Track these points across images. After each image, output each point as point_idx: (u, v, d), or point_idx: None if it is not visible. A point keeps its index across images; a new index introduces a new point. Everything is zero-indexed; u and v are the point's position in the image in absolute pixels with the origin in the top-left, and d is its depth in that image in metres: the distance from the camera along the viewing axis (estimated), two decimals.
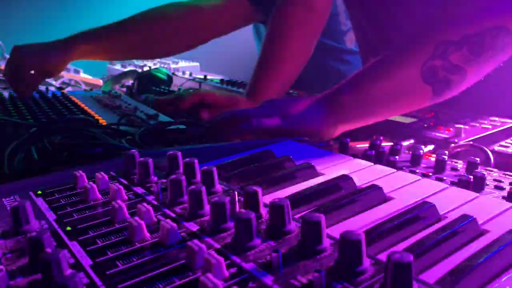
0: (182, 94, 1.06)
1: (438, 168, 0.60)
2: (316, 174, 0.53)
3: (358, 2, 1.16)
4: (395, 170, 0.53)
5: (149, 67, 1.88)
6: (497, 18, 0.69)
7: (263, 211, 0.39)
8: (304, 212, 0.42)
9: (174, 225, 0.36)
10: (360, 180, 0.49)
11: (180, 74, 1.66)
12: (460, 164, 0.63)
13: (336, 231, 0.34)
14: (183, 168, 0.48)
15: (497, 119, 0.88)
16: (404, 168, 0.62)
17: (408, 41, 0.75)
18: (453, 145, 0.74)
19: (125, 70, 1.82)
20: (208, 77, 1.58)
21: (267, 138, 0.68)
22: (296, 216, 0.40)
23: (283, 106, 0.76)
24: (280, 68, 1.14)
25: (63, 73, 1.64)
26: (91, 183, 0.46)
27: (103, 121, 0.92)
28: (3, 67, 1.60)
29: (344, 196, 0.44)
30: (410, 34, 0.76)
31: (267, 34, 1.20)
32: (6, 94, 1.19)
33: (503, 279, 0.32)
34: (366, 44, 1.20)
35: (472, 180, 0.54)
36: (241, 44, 2.22)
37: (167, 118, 0.96)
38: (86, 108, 1.05)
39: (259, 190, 0.39)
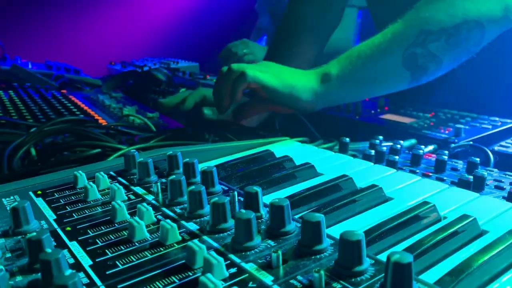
0: (184, 95, 1.06)
1: (438, 168, 0.60)
2: (316, 174, 0.53)
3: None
4: (395, 170, 0.53)
5: (149, 67, 1.88)
6: (473, 13, 0.74)
7: (263, 211, 0.39)
8: (304, 212, 0.42)
9: (174, 225, 0.36)
10: (360, 180, 0.49)
11: (180, 74, 1.66)
12: (460, 164, 0.63)
13: (336, 231, 0.34)
14: (183, 168, 0.48)
15: (497, 119, 0.88)
16: (404, 168, 0.62)
17: (394, 26, 0.80)
18: (453, 145, 0.74)
19: (125, 70, 1.82)
20: (208, 77, 1.58)
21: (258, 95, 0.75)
22: (296, 216, 0.40)
23: (275, 68, 0.80)
24: (288, 63, 1.14)
25: (63, 73, 1.64)
26: (91, 183, 0.46)
27: (103, 121, 0.92)
28: (2, 67, 1.60)
29: (344, 196, 0.44)
30: (396, 21, 0.80)
31: (277, 31, 1.19)
32: (6, 94, 1.19)
33: (503, 279, 0.32)
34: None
35: (472, 180, 0.54)
36: None
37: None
38: (86, 108, 1.05)
39: (259, 190, 0.39)
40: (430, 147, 0.75)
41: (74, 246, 0.36)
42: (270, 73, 0.78)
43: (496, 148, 0.73)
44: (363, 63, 0.79)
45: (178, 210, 0.41)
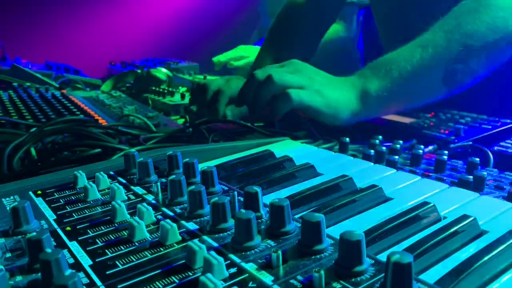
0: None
1: (438, 168, 0.60)
2: (316, 174, 0.53)
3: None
4: (395, 170, 0.53)
5: (149, 67, 1.88)
6: (511, 26, 0.73)
7: (263, 211, 0.39)
8: (304, 212, 0.42)
9: (174, 225, 0.36)
10: (360, 180, 0.49)
11: (180, 74, 1.66)
12: (460, 164, 0.63)
13: (336, 231, 0.34)
14: (183, 168, 0.48)
15: (497, 119, 0.88)
16: (404, 168, 0.62)
17: (435, 40, 0.76)
18: (453, 145, 0.74)
19: (125, 70, 1.82)
20: (208, 77, 1.58)
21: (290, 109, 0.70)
22: (296, 216, 0.40)
23: (316, 82, 0.75)
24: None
25: (63, 73, 1.64)
26: (91, 183, 0.46)
27: (103, 121, 0.92)
28: (2, 67, 1.60)
29: (344, 196, 0.44)
30: (433, 32, 0.77)
31: (271, 32, 1.19)
32: (6, 94, 1.19)
33: (503, 279, 0.32)
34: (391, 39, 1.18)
35: (472, 180, 0.54)
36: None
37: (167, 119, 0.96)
38: (86, 108, 1.05)
39: (259, 190, 0.39)
40: (430, 147, 0.75)
41: (74, 246, 0.36)
42: (313, 91, 0.73)
43: (496, 148, 0.73)
44: (405, 81, 0.75)
45: (178, 210, 0.41)
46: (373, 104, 0.76)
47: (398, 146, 0.68)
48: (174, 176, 0.43)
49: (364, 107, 0.76)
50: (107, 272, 0.32)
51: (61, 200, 0.45)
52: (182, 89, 1.38)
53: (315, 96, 0.73)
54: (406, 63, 0.76)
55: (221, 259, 0.30)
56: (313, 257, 0.32)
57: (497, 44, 0.73)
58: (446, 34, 0.75)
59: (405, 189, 0.47)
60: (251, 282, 0.30)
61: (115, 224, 0.39)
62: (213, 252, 0.31)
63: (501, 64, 0.77)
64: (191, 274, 0.31)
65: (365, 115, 0.77)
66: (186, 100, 1.18)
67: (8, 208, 0.43)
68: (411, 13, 1.04)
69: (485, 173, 0.54)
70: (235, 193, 0.41)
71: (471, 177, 0.54)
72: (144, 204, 0.40)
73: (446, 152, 0.62)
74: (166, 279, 0.31)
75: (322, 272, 0.28)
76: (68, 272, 0.27)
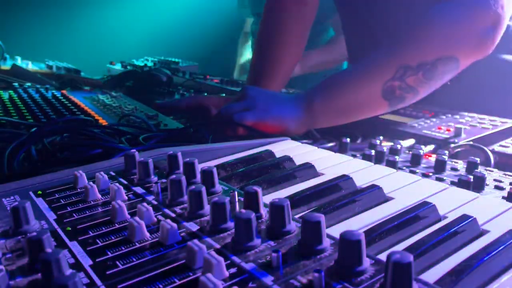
0: (180, 99, 1.10)
1: (438, 168, 0.60)
2: (316, 174, 0.53)
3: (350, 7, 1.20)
4: (395, 170, 0.53)
5: (149, 67, 1.88)
6: (449, 50, 0.81)
7: (263, 211, 0.39)
8: (304, 212, 0.42)
9: (174, 225, 0.36)
10: (360, 180, 0.49)
11: (180, 74, 1.66)
12: (460, 164, 0.63)
13: (336, 231, 0.34)
14: (183, 168, 0.48)
15: (497, 119, 0.88)
16: (404, 168, 0.62)
17: (375, 59, 0.86)
18: (453, 145, 0.74)
19: (125, 70, 1.82)
20: (208, 77, 1.58)
21: (244, 131, 0.80)
22: (296, 216, 0.40)
23: (261, 102, 0.85)
24: (277, 67, 1.17)
25: (63, 73, 1.64)
26: (91, 183, 0.46)
27: (103, 121, 0.92)
28: (2, 67, 1.60)
29: (344, 196, 0.44)
30: (376, 52, 0.86)
31: (260, 31, 1.21)
32: (6, 94, 1.19)
33: (503, 279, 0.32)
34: (355, 46, 1.24)
35: (472, 180, 0.54)
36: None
37: (167, 119, 0.96)
38: (86, 108, 1.05)
39: (259, 190, 0.39)
40: (430, 147, 0.75)
41: (74, 246, 0.36)
42: (257, 109, 0.82)
43: (496, 148, 0.73)
44: (345, 94, 0.86)
45: (178, 210, 0.41)
46: (317, 113, 0.84)
47: (398, 146, 0.68)
48: (174, 176, 0.43)
49: (309, 116, 0.84)
50: (107, 272, 0.32)
51: (61, 200, 0.45)
52: (182, 89, 1.38)
53: (260, 113, 0.82)
54: (348, 76, 0.89)
55: (221, 259, 0.30)
56: (313, 257, 0.32)
57: (434, 65, 0.81)
58: (387, 55, 0.85)
59: (405, 189, 0.47)
60: (251, 282, 0.30)
61: (115, 224, 0.39)
62: (213, 252, 0.31)
63: (444, 81, 0.84)
64: (191, 274, 0.31)
65: (312, 123, 0.85)
66: None
67: (8, 208, 0.43)
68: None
69: (485, 173, 0.54)
70: (235, 193, 0.41)
71: (471, 177, 0.54)
72: (144, 204, 0.40)
73: (446, 152, 0.62)
74: (166, 279, 0.31)
75: (322, 272, 0.28)
76: (68, 272, 0.27)
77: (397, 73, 0.81)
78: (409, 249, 0.34)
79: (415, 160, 0.64)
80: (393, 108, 0.87)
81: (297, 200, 0.44)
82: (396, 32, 0.88)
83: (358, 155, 0.66)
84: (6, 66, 1.62)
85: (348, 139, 0.71)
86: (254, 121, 0.80)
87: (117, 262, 0.33)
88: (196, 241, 0.33)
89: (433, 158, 0.66)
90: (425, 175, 0.59)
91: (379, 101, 0.84)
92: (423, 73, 0.81)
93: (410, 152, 0.66)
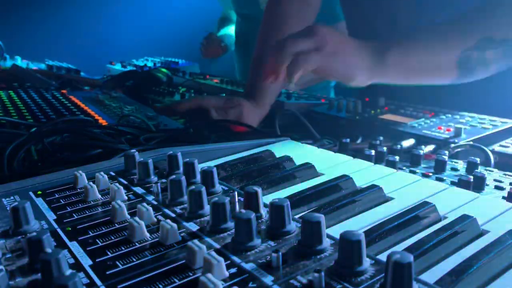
0: (180, 102, 1.09)
1: (438, 168, 0.60)
2: (316, 174, 0.53)
3: None
4: (395, 170, 0.53)
5: (149, 67, 1.88)
6: None
7: (263, 211, 0.39)
8: (304, 212, 0.42)
9: (174, 225, 0.36)
10: (360, 180, 0.49)
11: (180, 74, 1.66)
12: (460, 164, 0.63)
13: (336, 231, 0.34)
14: (183, 168, 0.48)
15: (497, 119, 0.88)
16: (404, 168, 0.62)
17: (458, 25, 0.82)
18: (453, 145, 0.74)
19: (125, 70, 1.82)
20: (208, 77, 1.58)
21: (300, 67, 0.72)
22: (296, 216, 0.40)
23: (331, 43, 0.77)
24: None
25: (63, 73, 1.64)
26: (91, 183, 0.46)
27: (103, 121, 0.92)
28: (2, 67, 1.60)
29: (344, 196, 0.44)
30: (459, 20, 0.82)
31: (261, 30, 1.20)
32: (6, 94, 1.19)
33: (503, 279, 0.32)
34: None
35: (472, 180, 0.54)
36: None
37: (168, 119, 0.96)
38: (86, 108, 1.05)
39: (259, 190, 0.39)
40: (430, 147, 0.75)
41: (74, 246, 0.36)
42: (325, 52, 0.75)
43: (496, 148, 0.73)
44: (421, 53, 0.81)
45: (178, 210, 0.41)
46: (388, 68, 0.79)
47: (398, 146, 0.68)
48: (174, 176, 0.43)
49: (379, 68, 0.79)
50: (107, 272, 0.32)
51: (61, 200, 0.45)
52: (182, 89, 1.38)
53: (327, 56, 0.75)
54: (427, 38, 0.82)
55: (221, 259, 0.30)
56: (313, 257, 0.32)
57: None
58: (471, 22, 0.81)
59: (405, 189, 0.47)
60: (251, 282, 0.30)
61: (115, 224, 0.39)
62: (213, 252, 0.31)
63: None
64: (191, 274, 0.31)
65: (377, 76, 0.80)
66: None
67: (8, 208, 0.43)
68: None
69: (485, 173, 0.54)
70: (235, 193, 0.41)
71: (471, 177, 0.54)
72: (144, 204, 0.40)
73: (446, 152, 0.62)
74: (166, 279, 0.31)
75: (322, 272, 0.28)
76: (68, 272, 0.27)
77: (479, 42, 0.78)
78: (409, 249, 0.34)
79: (415, 160, 0.64)
80: (458, 80, 0.83)
81: (297, 200, 0.44)
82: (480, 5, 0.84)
83: (358, 155, 0.66)
84: (6, 66, 1.62)
85: (348, 139, 0.71)
86: (319, 65, 0.75)
87: (117, 262, 0.33)
88: (196, 241, 0.33)
89: (433, 158, 0.66)
90: (425, 175, 0.59)
91: (451, 68, 0.81)
92: (504, 50, 0.78)
93: (410, 152, 0.66)
